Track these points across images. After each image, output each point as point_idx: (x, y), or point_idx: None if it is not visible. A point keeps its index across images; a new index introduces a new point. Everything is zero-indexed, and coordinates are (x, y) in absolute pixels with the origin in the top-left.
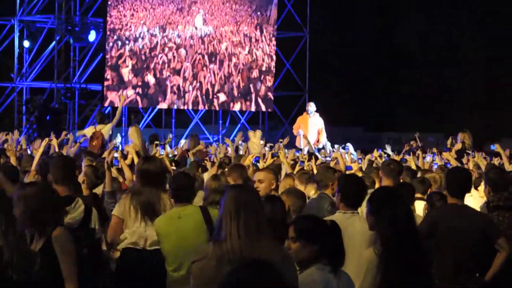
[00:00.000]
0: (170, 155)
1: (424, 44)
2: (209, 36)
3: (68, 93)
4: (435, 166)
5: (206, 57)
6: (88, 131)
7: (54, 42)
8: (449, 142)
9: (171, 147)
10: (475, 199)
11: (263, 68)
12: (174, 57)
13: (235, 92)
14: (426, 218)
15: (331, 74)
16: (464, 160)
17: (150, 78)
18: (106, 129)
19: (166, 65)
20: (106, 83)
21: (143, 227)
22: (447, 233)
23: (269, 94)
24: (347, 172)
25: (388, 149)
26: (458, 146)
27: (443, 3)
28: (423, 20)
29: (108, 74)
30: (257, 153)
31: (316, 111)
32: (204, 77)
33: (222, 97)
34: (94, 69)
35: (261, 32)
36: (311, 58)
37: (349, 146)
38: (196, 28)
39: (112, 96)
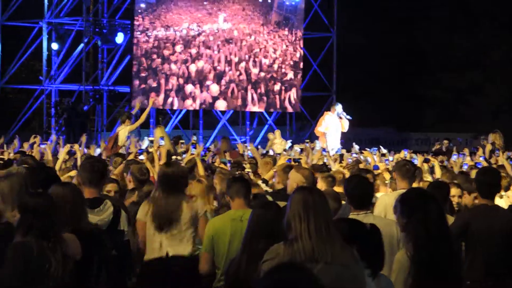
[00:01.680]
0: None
1: (450, 45)
2: (236, 36)
3: (96, 95)
4: (465, 167)
5: (233, 56)
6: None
7: (82, 44)
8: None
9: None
10: (508, 198)
11: (290, 69)
12: (201, 55)
13: (263, 93)
14: (458, 219)
15: (358, 74)
16: (493, 160)
17: (173, 82)
18: (123, 131)
19: (194, 66)
20: (134, 85)
21: (157, 236)
22: (479, 234)
23: (296, 94)
24: (375, 172)
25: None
26: (489, 147)
27: (469, 9)
28: (449, 23)
29: (136, 75)
30: (281, 151)
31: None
32: (232, 78)
33: (249, 98)
34: (122, 71)
35: (290, 32)
36: (338, 58)
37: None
38: (221, 27)
39: (139, 97)
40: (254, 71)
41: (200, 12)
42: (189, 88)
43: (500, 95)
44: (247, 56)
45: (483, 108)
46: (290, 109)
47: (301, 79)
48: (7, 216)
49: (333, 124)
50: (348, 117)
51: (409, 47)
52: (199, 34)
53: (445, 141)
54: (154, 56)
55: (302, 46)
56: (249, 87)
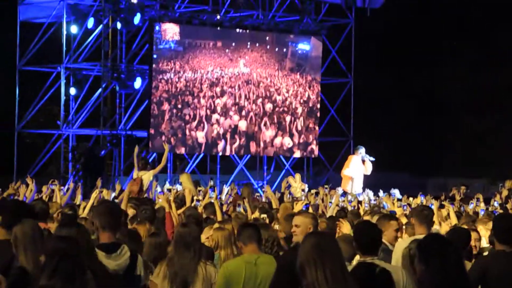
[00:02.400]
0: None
1: (467, 89)
2: (254, 78)
3: (114, 140)
4: (482, 212)
5: (251, 94)
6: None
7: (100, 89)
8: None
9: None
10: None
11: (308, 117)
12: (224, 92)
13: (281, 145)
14: (476, 264)
15: (375, 116)
16: (509, 206)
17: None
18: (147, 176)
19: (219, 100)
20: (151, 130)
21: None
22: (496, 280)
23: (314, 139)
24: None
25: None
26: (505, 192)
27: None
28: (465, 66)
29: (153, 120)
30: (300, 195)
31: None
32: (248, 128)
33: (266, 143)
34: (140, 116)
35: (301, 76)
36: (355, 102)
37: (396, 192)
38: (241, 71)
39: (156, 142)
40: (268, 105)
41: (223, 58)
42: (214, 116)
43: None
44: (263, 93)
45: (503, 152)
46: (308, 154)
47: (319, 124)
48: (20, 260)
49: (357, 168)
50: (372, 158)
51: (427, 91)
52: (222, 76)
53: (462, 187)
54: (170, 103)
55: (318, 90)
56: (265, 118)
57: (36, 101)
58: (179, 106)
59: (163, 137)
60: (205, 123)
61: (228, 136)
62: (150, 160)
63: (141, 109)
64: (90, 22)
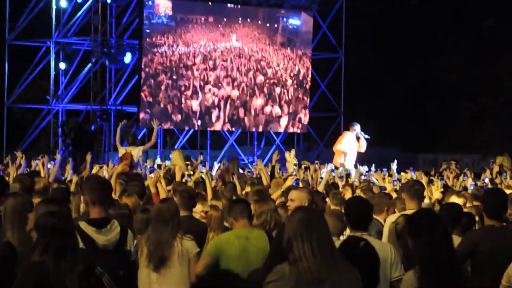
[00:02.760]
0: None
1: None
2: (246, 52)
3: (104, 115)
4: (471, 187)
5: (243, 67)
6: (120, 152)
7: (90, 64)
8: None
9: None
10: None
11: (298, 89)
12: (217, 65)
13: (271, 113)
14: (465, 240)
15: (367, 95)
16: (497, 180)
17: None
18: (136, 151)
19: (191, 89)
20: (141, 105)
21: (146, 274)
22: (486, 256)
23: (304, 115)
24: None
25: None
26: (496, 168)
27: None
28: (462, 48)
29: (144, 95)
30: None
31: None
32: (234, 103)
33: (258, 118)
34: (130, 91)
35: (292, 51)
36: (346, 79)
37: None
38: (233, 45)
39: (146, 117)
40: (260, 78)
41: (215, 33)
42: (208, 87)
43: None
44: (254, 66)
45: (495, 133)
46: (298, 130)
47: (309, 99)
48: (8, 235)
49: (350, 144)
50: (367, 136)
51: (420, 69)
52: (215, 50)
53: (452, 162)
54: (166, 74)
55: (309, 65)
56: (256, 89)
57: (25, 76)
58: (174, 77)
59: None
60: (199, 92)
61: (221, 104)
62: (139, 136)
63: (131, 84)
64: None
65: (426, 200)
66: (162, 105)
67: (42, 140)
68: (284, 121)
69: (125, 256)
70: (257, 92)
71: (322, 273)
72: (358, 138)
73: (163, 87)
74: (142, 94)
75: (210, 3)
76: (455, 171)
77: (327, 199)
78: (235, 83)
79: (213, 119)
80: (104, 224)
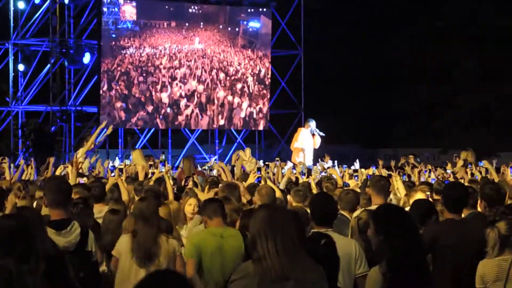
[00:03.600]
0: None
1: (418, 60)
2: (209, 53)
3: (64, 116)
4: (433, 182)
5: (206, 72)
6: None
7: (49, 65)
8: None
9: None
10: None
11: (258, 87)
12: (182, 65)
13: (230, 111)
14: (425, 233)
15: (326, 91)
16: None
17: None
18: (81, 151)
19: (160, 83)
20: (101, 104)
21: (134, 271)
22: (446, 249)
23: (265, 112)
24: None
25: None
26: (460, 163)
27: (439, 21)
28: (419, 36)
29: (103, 95)
30: (252, 169)
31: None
32: (199, 95)
33: (219, 117)
34: (89, 91)
35: (253, 52)
36: (306, 75)
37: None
38: (196, 47)
39: (105, 117)
40: (222, 75)
41: (178, 37)
42: (175, 82)
43: (470, 108)
44: (217, 65)
45: (453, 121)
46: (259, 127)
47: (269, 96)
48: None
49: (306, 140)
50: (321, 133)
51: (378, 62)
52: (179, 51)
53: (411, 156)
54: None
55: (269, 64)
56: (216, 105)
57: None
58: (144, 75)
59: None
60: (168, 86)
61: (189, 94)
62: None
63: (91, 84)
64: None
65: (392, 196)
66: (136, 96)
67: (2, 142)
68: (244, 113)
69: (86, 257)
70: (219, 86)
71: (286, 271)
72: (313, 135)
73: (135, 82)
74: (114, 90)
75: (171, 8)
76: (414, 165)
77: (288, 196)
78: (200, 79)
79: (182, 108)
80: (64, 226)
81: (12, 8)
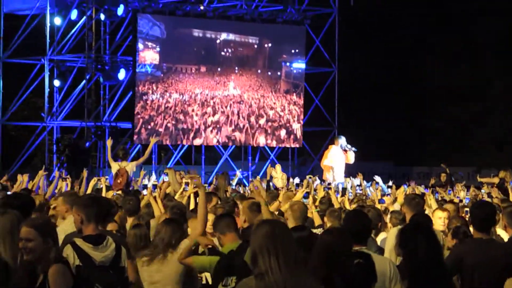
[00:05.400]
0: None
1: (453, 78)
2: (246, 99)
3: (98, 132)
4: (467, 201)
5: (234, 101)
6: (113, 168)
7: (84, 81)
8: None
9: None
10: None
11: (293, 104)
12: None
13: (266, 128)
14: (452, 253)
15: (360, 109)
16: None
17: (181, 117)
18: (130, 166)
19: (194, 130)
20: (136, 121)
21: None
22: (473, 268)
23: (299, 129)
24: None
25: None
26: (495, 180)
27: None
28: (452, 55)
29: (138, 112)
30: (283, 185)
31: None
32: (233, 114)
33: (248, 125)
34: (124, 107)
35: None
36: (340, 93)
37: (379, 179)
38: (231, 93)
39: (142, 134)
40: (261, 121)
41: (209, 82)
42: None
43: (505, 127)
44: (256, 110)
45: (487, 140)
46: (292, 144)
47: (303, 113)
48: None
49: (336, 158)
50: (354, 149)
51: (412, 80)
52: (212, 97)
53: (443, 174)
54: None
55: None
56: (251, 122)
57: (20, 93)
58: (173, 122)
59: (149, 128)
60: (202, 133)
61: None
62: (135, 151)
63: (126, 100)
64: (74, 14)
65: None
66: (166, 143)
67: (37, 157)
68: (280, 133)
69: (120, 272)
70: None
71: (288, 287)
72: (345, 151)
73: (161, 129)
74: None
75: (202, 52)
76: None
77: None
78: (238, 126)
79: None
80: (100, 241)
81: (48, 24)
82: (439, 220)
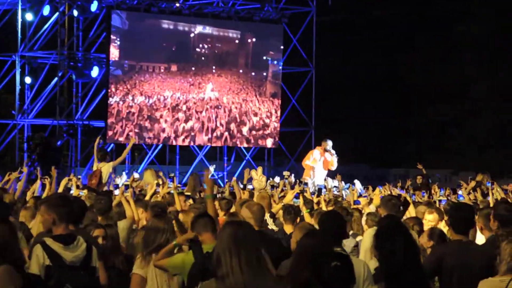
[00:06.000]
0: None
1: (431, 79)
2: (225, 103)
3: (70, 130)
4: (443, 203)
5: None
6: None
7: (56, 78)
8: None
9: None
10: None
11: (269, 105)
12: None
13: (241, 128)
14: (431, 254)
15: (337, 109)
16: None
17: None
18: (106, 167)
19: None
20: (109, 120)
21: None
22: (452, 270)
23: (275, 130)
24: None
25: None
26: (472, 184)
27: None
28: (432, 55)
29: (111, 110)
30: (260, 187)
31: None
32: (210, 121)
33: (227, 133)
34: (97, 105)
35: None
36: (317, 93)
37: (356, 182)
38: (209, 96)
39: (114, 133)
40: (244, 129)
41: (181, 84)
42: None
43: (483, 129)
44: (237, 117)
45: (466, 142)
46: (268, 144)
47: (279, 114)
48: None
49: (320, 159)
50: (334, 154)
51: (390, 81)
52: (185, 101)
53: (418, 177)
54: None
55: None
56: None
57: None
58: (136, 130)
59: (123, 128)
60: (174, 141)
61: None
62: (108, 150)
63: (99, 98)
64: (46, 9)
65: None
66: (123, 128)
67: (8, 155)
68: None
69: (91, 273)
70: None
71: None
72: (328, 152)
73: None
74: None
75: (172, 48)
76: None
77: None
78: (215, 134)
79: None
80: (71, 240)
81: (20, 20)
82: (429, 223)
